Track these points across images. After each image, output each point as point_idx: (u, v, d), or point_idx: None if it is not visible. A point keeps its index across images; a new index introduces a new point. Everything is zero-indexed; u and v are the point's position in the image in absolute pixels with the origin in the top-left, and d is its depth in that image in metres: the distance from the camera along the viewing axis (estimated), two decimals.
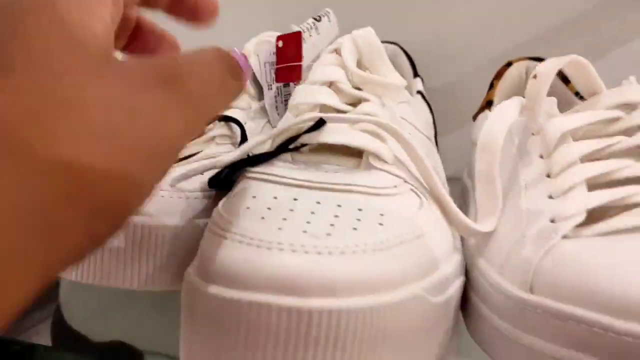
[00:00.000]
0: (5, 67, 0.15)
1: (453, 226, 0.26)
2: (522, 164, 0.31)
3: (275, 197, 0.22)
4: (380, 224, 0.21)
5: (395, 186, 0.24)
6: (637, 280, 0.21)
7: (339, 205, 0.22)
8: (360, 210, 0.22)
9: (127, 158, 0.16)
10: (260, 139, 0.26)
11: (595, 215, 0.26)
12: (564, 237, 0.25)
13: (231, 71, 0.21)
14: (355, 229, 0.20)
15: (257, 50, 0.39)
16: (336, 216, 0.21)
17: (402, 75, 0.45)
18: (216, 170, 0.27)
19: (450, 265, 0.23)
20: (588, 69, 0.32)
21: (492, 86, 0.43)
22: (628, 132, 0.29)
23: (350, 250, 0.19)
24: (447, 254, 0.23)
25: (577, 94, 0.40)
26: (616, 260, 0.23)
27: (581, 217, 0.25)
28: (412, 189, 0.25)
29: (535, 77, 0.31)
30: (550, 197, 0.27)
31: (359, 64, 0.30)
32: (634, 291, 0.21)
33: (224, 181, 0.26)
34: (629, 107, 0.31)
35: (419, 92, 0.43)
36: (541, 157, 0.30)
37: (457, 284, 0.24)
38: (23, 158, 0.14)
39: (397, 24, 0.50)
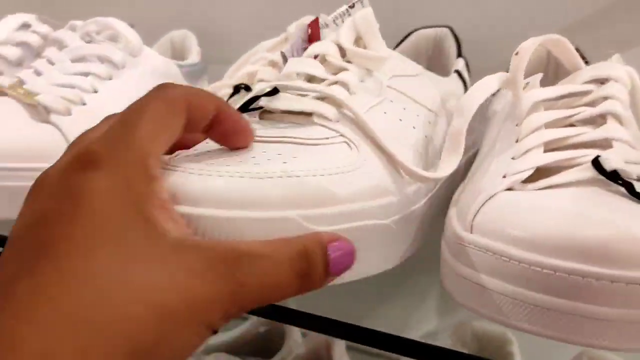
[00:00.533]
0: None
1: (405, 173, 0.30)
2: (503, 131, 0.35)
3: (216, 147, 0.28)
4: (284, 162, 0.26)
5: (327, 138, 0.29)
6: (548, 222, 0.25)
7: (264, 152, 0.27)
8: (279, 154, 0.27)
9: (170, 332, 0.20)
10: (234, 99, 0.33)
11: (546, 173, 0.29)
12: (509, 189, 0.29)
13: (303, 273, 0.23)
14: (257, 164, 0.26)
15: (290, 36, 0.44)
16: (253, 157, 0.27)
17: (448, 55, 0.49)
18: None
19: (361, 204, 0.28)
20: (567, 46, 0.35)
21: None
22: (594, 103, 0.32)
23: (239, 176, 0.25)
24: (360, 194, 0.28)
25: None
26: (538, 205, 0.26)
27: (527, 174, 0.29)
28: (345, 141, 0.30)
29: (517, 53, 0.35)
30: (513, 158, 0.31)
31: (358, 41, 0.35)
32: (544, 230, 0.25)
33: None
34: (601, 81, 0.33)
35: (456, 70, 0.46)
36: (517, 125, 0.33)
37: (371, 222, 0.29)
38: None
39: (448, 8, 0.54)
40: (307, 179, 0.26)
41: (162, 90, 0.24)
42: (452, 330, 0.58)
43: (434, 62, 0.49)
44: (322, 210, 0.25)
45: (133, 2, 0.74)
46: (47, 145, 0.42)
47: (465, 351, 0.50)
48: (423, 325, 0.58)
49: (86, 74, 0.47)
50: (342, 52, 0.34)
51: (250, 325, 0.63)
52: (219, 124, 0.26)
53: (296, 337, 0.61)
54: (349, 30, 0.35)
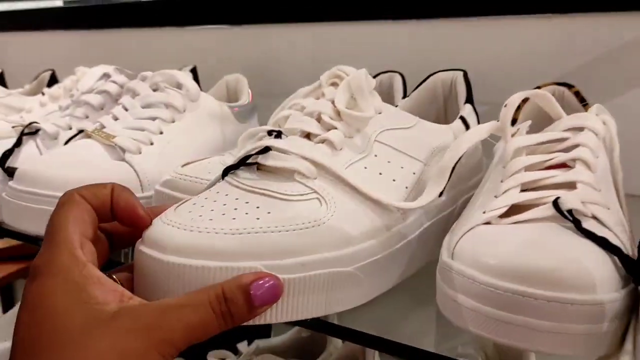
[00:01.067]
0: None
1: (387, 206, 0.37)
2: (493, 173, 0.41)
3: (217, 192, 0.36)
4: (257, 218, 0.33)
5: (302, 194, 0.36)
6: (508, 252, 0.31)
7: (247, 202, 0.34)
8: (257, 207, 0.34)
9: None
10: (238, 155, 0.40)
11: (520, 210, 0.35)
12: (487, 223, 0.35)
13: (223, 312, 0.30)
14: (234, 218, 0.33)
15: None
16: (236, 209, 0.34)
17: (458, 99, 0.55)
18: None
19: (324, 254, 0.34)
20: (549, 98, 0.41)
21: (519, 107, 0.52)
22: (568, 149, 0.38)
23: (214, 231, 0.32)
24: (322, 246, 0.34)
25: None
26: (503, 238, 0.33)
27: (502, 210, 0.35)
28: (317, 198, 0.36)
29: (506, 106, 0.41)
30: (495, 196, 0.37)
31: (352, 98, 0.41)
32: (502, 259, 0.31)
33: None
34: (578, 129, 0.39)
35: (461, 117, 0.52)
36: (503, 167, 0.40)
37: (334, 270, 0.34)
38: None
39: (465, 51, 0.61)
40: (273, 235, 0.32)
41: (64, 197, 0.33)
42: (476, 340, 0.63)
43: (449, 103, 0.56)
44: (285, 261, 0.32)
45: (192, 50, 0.84)
46: (123, 179, 0.51)
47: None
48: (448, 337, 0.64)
49: (154, 118, 0.56)
50: (336, 110, 0.40)
51: (296, 330, 0.71)
52: (116, 204, 0.34)
53: (336, 342, 0.68)
54: (344, 91, 0.41)
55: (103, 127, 0.55)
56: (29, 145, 0.58)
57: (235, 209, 0.34)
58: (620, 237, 0.33)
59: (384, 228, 0.38)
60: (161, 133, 0.56)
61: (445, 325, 0.35)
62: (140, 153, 0.53)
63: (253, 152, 0.39)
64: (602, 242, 0.31)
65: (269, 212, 0.34)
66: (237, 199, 0.35)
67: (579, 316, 0.29)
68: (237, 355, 0.65)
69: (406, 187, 0.41)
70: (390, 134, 0.42)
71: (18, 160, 0.56)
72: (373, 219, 0.38)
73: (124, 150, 0.53)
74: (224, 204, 0.35)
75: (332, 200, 0.36)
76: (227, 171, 0.39)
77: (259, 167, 0.39)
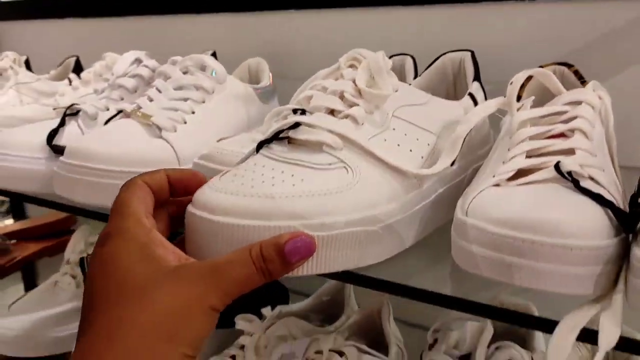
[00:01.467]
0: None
1: (400, 173, 0.42)
2: (500, 143, 0.46)
3: (254, 164, 0.41)
4: (293, 185, 0.38)
5: (330, 164, 0.40)
6: (515, 207, 0.36)
7: (282, 172, 0.39)
8: (292, 176, 0.39)
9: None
10: (268, 132, 0.44)
11: (525, 173, 0.40)
12: (496, 185, 0.40)
13: (262, 268, 0.34)
14: (273, 185, 0.38)
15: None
16: (273, 177, 0.39)
17: (467, 78, 0.60)
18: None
19: (351, 216, 0.39)
20: (550, 77, 0.46)
21: (523, 85, 0.57)
22: (568, 120, 0.43)
23: (257, 195, 0.37)
24: (351, 208, 0.39)
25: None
26: (511, 196, 0.38)
27: (510, 174, 0.40)
28: (344, 167, 0.40)
29: (511, 83, 0.46)
30: (503, 162, 0.42)
31: (371, 77, 0.46)
32: (511, 213, 0.36)
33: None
34: (576, 103, 0.44)
35: (469, 93, 0.57)
36: (510, 137, 0.45)
37: (361, 229, 0.39)
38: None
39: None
40: (307, 199, 0.37)
41: (129, 182, 0.38)
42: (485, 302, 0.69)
43: (458, 81, 0.61)
44: (317, 221, 0.37)
45: (216, 37, 0.88)
46: (162, 155, 0.56)
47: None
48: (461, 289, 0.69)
49: (185, 99, 0.61)
50: (357, 89, 0.45)
51: (316, 296, 0.76)
52: (172, 178, 0.39)
53: (352, 306, 0.73)
54: (364, 71, 0.45)
55: (140, 107, 0.60)
56: (71, 125, 0.62)
57: (273, 177, 0.39)
58: (613, 195, 0.38)
59: (403, 193, 0.43)
60: (193, 113, 0.60)
61: (458, 279, 0.40)
62: (175, 131, 0.58)
63: (285, 127, 0.43)
64: (598, 198, 0.36)
65: (302, 180, 0.39)
66: (273, 169, 0.40)
67: (579, 259, 0.34)
68: (262, 319, 0.70)
69: (422, 157, 0.46)
70: (406, 109, 0.46)
71: (62, 139, 0.61)
72: (393, 185, 0.42)
73: (160, 129, 0.57)
74: (262, 174, 0.39)
75: (357, 168, 0.41)
76: (260, 145, 0.44)
77: (290, 141, 0.43)
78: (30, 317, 0.81)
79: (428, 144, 0.47)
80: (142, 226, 0.35)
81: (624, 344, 0.33)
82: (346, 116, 0.44)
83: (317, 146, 0.42)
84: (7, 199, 1.34)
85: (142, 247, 0.34)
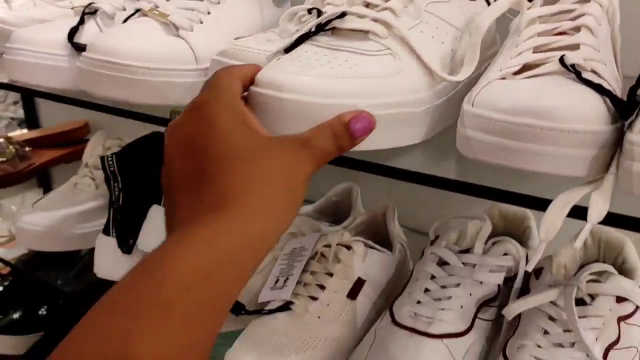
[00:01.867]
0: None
1: (434, 76, 0.44)
2: (509, 40, 0.48)
3: (306, 51, 0.43)
4: (350, 68, 0.40)
5: (378, 50, 0.43)
6: (520, 96, 0.38)
7: (335, 57, 0.41)
8: (346, 61, 0.41)
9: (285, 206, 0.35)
10: (312, 23, 0.46)
11: (532, 68, 0.42)
12: (502, 78, 0.42)
13: (340, 138, 0.38)
14: (331, 68, 0.40)
15: None
16: (329, 62, 0.41)
17: None
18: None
19: (400, 97, 0.42)
20: None
21: None
22: (575, 17, 0.45)
23: (319, 75, 0.39)
24: (400, 90, 0.42)
25: None
26: (516, 87, 0.40)
27: (515, 68, 0.42)
28: (390, 53, 0.43)
29: None
30: (511, 58, 0.44)
31: None
32: (515, 101, 0.38)
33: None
34: (585, 1, 0.46)
35: None
36: (519, 35, 0.46)
37: (408, 110, 0.43)
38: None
39: None
40: (363, 80, 0.40)
41: (225, 68, 0.40)
42: (484, 210, 0.72)
43: None
44: (374, 101, 0.40)
45: None
46: (180, 52, 0.58)
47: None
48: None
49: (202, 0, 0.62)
50: None
51: (326, 198, 0.80)
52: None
53: (359, 208, 0.77)
54: None
55: (157, 6, 0.61)
56: (90, 24, 0.64)
57: (328, 62, 0.41)
58: (613, 86, 0.40)
59: (431, 86, 0.46)
60: (209, 13, 0.62)
61: (463, 170, 0.43)
62: (192, 30, 0.59)
63: (332, 17, 0.45)
64: (598, 88, 0.38)
65: (356, 64, 0.42)
66: (325, 55, 0.42)
67: (577, 142, 0.36)
68: None
69: (451, 50, 0.49)
70: (436, 5, 0.49)
71: (82, 37, 0.62)
72: (426, 74, 0.45)
73: (177, 28, 0.59)
74: (317, 59, 0.42)
75: (402, 55, 0.44)
76: (302, 38, 0.45)
77: (333, 32, 0.45)
78: (54, 214, 0.85)
79: (455, 38, 0.50)
80: (237, 98, 0.38)
81: (611, 219, 0.36)
82: (384, 9, 0.46)
83: (362, 35, 0.44)
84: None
85: (239, 116, 0.37)
